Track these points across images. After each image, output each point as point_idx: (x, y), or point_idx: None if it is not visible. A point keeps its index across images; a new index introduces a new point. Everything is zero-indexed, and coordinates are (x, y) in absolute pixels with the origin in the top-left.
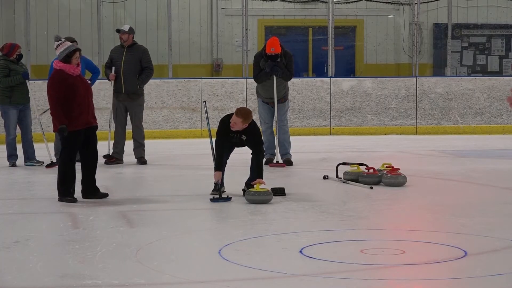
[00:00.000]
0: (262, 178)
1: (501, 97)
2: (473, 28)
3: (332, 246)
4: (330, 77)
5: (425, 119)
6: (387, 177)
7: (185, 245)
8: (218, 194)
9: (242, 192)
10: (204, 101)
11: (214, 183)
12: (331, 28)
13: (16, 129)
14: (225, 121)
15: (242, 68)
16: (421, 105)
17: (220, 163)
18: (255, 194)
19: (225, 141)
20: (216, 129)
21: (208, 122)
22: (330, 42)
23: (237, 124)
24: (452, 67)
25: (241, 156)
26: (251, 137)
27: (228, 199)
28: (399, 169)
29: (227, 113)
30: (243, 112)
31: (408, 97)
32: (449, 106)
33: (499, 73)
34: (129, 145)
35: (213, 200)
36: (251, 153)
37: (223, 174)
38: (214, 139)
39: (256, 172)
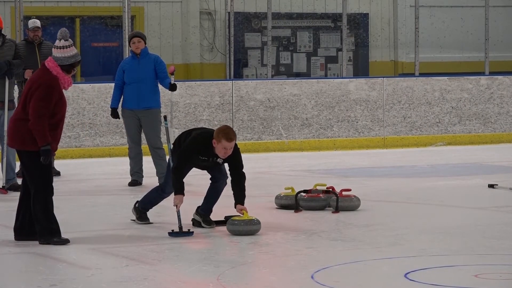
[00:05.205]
0: (244, 204)
1: (331, 104)
2: (276, 18)
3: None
4: None
5: (243, 133)
6: (341, 200)
7: None
8: (179, 226)
9: (191, 222)
10: (165, 116)
11: (176, 211)
12: (127, 19)
13: None
14: (200, 146)
15: None
16: (238, 116)
17: (181, 185)
18: (243, 224)
19: (190, 165)
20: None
21: (169, 141)
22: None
23: (227, 150)
24: (251, 67)
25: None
26: (232, 159)
27: (190, 233)
28: (350, 189)
29: (199, 131)
30: (234, 133)
31: (222, 106)
32: (272, 116)
33: (307, 74)
34: None
35: (172, 234)
36: (212, 178)
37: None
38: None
39: (240, 197)
